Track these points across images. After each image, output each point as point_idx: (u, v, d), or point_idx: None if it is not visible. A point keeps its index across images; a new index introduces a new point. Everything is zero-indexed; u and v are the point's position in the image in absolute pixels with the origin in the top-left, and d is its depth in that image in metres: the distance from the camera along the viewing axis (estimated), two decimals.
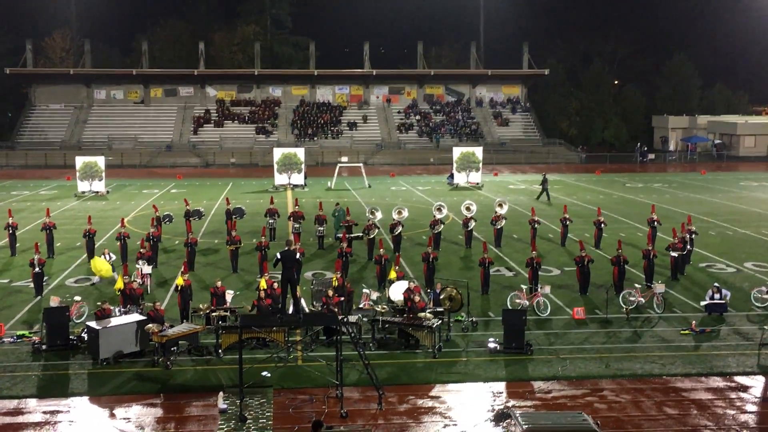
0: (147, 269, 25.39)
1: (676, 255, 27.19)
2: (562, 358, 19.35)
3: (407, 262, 29.45)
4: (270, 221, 33.65)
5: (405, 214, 33.45)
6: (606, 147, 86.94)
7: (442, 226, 32.54)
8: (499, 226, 32.85)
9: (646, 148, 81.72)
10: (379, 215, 32.36)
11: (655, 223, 31.86)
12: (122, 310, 20.92)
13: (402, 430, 15.63)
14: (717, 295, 23.25)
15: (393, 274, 23.29)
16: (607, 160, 76.37)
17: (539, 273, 25.36)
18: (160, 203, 43.59)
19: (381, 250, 26.44)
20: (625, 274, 25.20)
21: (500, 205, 34.69)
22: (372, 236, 30.01)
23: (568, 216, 33.42)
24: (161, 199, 48.27)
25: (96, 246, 30.43)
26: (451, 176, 57.23)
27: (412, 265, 28.74)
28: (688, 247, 28.43)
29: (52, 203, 46.13)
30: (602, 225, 32.36)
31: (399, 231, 31.16)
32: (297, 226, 32.26)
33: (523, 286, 24.01)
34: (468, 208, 34.26)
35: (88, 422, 16.08)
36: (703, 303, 23.49)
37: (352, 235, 31.01)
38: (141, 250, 26.56)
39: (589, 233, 33.89)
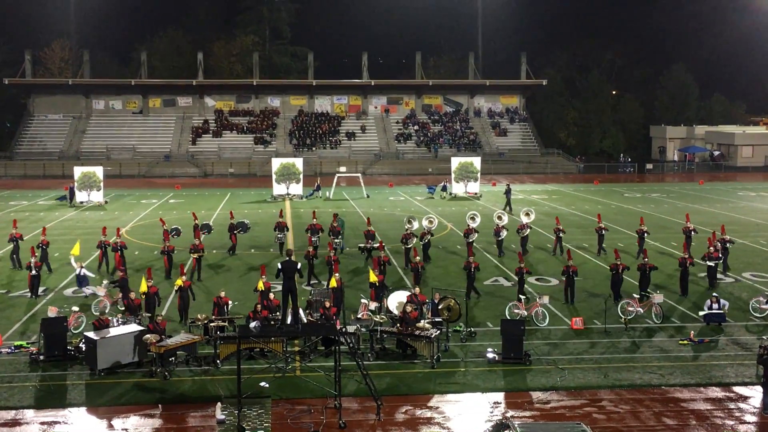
0: (101, 290, 24.57)
1: (713, 264, 27.31)
2: (560, 369, 19.33)
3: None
4: (279, 236, 32.98)
5: (435, 223, 33.66)
6: (604, 157, 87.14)
7: (476, 234, 32.72)
8: (523, 235, 33.26)
9: (630, 159, 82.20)
10: (415, 224, 32.54)
11: (692, 232, 31.95)
12: (120, 320, 20.87)
13: None
14: (715, 305, 23.26)
15: (373, 278, 23.25)
16: (605, 170, 76.49)
17: (575, 280, 25.60)
18: (158, 213, 43.57)
19: (417, 258, 27.01)
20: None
21: (527, 214, 35.44)
22: (409, 246, 30.08)
23: (603, 225, 33.77)
24: (160, 209, 48.24)
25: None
26: (436, 187, 57.27)
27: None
28: (720, 255, 28.45)
29: (50, 213, 46.16)
30: (645, 234, 32.38)
31: (428, 239, 31.43)
32: (315, 239, 31.33)
33: (522, 297, 24.00)
34: (500, 218, 34.78)
35: None
36: (701, 313, 23.49)
37: (367, 245, 30.79)
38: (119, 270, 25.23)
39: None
